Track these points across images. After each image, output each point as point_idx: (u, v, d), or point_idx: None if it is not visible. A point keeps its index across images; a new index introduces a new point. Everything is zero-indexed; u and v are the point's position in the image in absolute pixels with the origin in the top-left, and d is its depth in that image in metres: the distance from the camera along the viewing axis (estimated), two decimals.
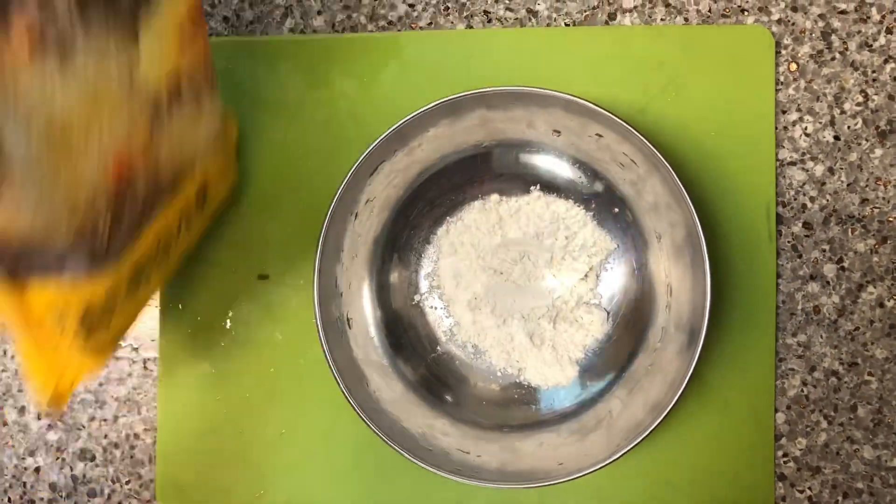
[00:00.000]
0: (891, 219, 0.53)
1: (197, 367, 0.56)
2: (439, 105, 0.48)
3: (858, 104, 0.54)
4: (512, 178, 0.54)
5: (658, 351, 0.50)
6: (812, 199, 0.54)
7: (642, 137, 0.47)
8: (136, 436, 0.57)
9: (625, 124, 0.47)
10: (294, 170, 0.56)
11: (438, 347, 0.55)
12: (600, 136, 0.49)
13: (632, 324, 0.52)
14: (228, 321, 0.56)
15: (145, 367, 0.57)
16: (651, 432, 0.47)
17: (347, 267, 0.52)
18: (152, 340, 0.57)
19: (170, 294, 0.56)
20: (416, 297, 0.55)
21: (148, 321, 0.57)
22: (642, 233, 0.52)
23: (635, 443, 0.47)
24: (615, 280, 0.54)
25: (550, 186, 0.53)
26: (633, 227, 0.52)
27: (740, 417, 0.53)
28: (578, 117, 0.48)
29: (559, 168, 0.53)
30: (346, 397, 0.49)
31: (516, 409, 0.53)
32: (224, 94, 0.56)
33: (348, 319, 0.52)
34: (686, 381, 0.47)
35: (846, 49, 0.54)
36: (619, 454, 0.47)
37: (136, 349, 0.57)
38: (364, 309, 0.53)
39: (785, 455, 0.53)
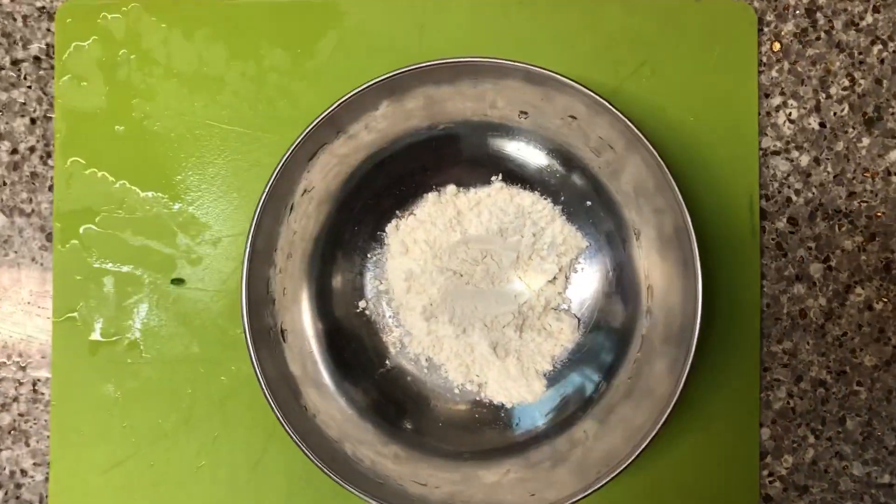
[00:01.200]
0: (879, 213, 0.49)
1: (98, 388, 0.47)
2: (378, 83, 0.41)
3: (845, 88, 0.49)
4: (471, 166, 0.47)
5: (639, 363, 0.44)
6: (797, 192, 0.49)
7: (617, 112, 0.41)
8: (24, 472, 0.48)
9: (596, 96, 0.41)
10: (215, 154, 0.48)
11: (387, 362, 0.47)
12: (573, 117, 0.43)
13: (606, 332, 0.46)
14: (136, 332, 0.47)
15: (34, 390, 0.48)
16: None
17: (282, 269, 0.44)
18: (43, 357, 0.48)
19: (63, 300, 0.47)
20: (361, 304, 0.47)
21: (37, 334, 0.48)
22: (619, 228, 0.46)
23: (612, 476, 0.41)
24: (587, 282, 0.47)
25: (514, 176, 0.47)
26: (607, 221, 0.46)
27: (723, 434, 0.48)
28: (543, 92, 0.42)
29: (527, 154, 0.46)
30: (279, 419, 0.41)
31: (480, 432, 0.46)
32: (133, 64, 0.48)
33: (283, 331, 0.44)
34: (673, 405, 0.41)
35: (832, 28, 0.49)
36: (596, 487, 0.41)
37: (22, 368, 0.48)
38: (302, 319, 0.45)
39: (770, 475, 0.48)
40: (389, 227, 0.47)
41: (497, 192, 0.47)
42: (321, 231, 0.45)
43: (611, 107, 0.41)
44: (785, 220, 0.49)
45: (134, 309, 0.48)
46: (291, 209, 0.43)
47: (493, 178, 0.47)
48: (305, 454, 0.41)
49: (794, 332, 0.49)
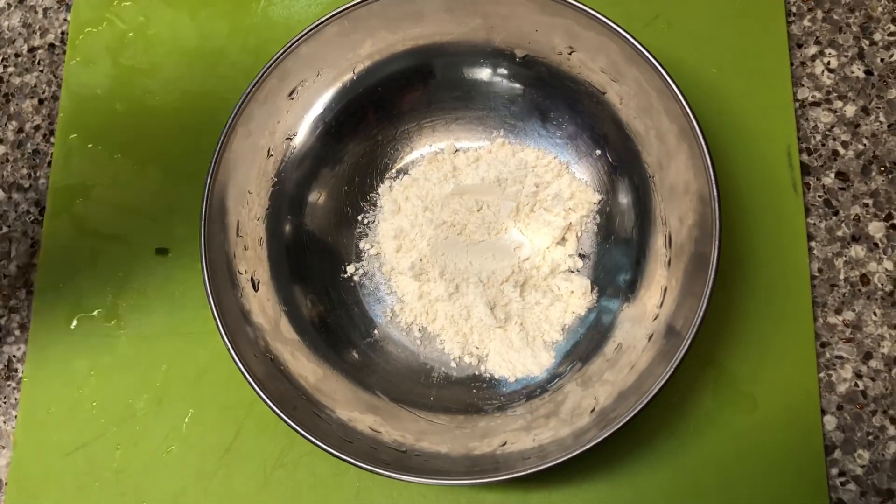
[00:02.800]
0: None
1: (72, 363, 0.44)
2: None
3: (891, 34, 0.44)
4: (471, 122, 0.44)
5: (658, 320, 0.38)
6: (845, 145, 0.43)
7: (633, 41, 0.37)
8: None
9: (610, 22, 0.37)
10: (210, 125, 0.47)
11: (375, 331, 0.42)
12: (572, 49, 0.40)
13: (623, 293, 0.40)
14: (118, 305, 0.45)
15: (9, 367, 0.45)
16: (629, 421, 0.34)
17: (256, 216, 0.41)
18: (22, 332, 0.45)
19: (49, 273, 0.45)
20: (350, 270, 0.43)
21: (21, 308, 0.45)
22: (633, 173, 0.40)
23: (623, 420, 0.33)
24: (596, 241, 0.42)
25: (517, 133, 0.43)
26: (619, 171, 0.41)
27: (775, 421, 0.39)
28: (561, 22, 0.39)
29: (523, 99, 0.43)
30: (249, 380, 0.36)
31: (475, 409, 0.40)
32: (139, 45, 0.49)
33: (255, 283, 0.40)
34: (685, 351, 0.34)
35: None
36: (602, 437, 0.33)
37: None
38: (270, 272, 0.41)
39: (842, 474, 0.39)
40: (382, 188, 0.44)
41: (498, 148, 0.43)
42: (303, 178, 0.42)
43: (628, 36, 0.37)
44: (833, 175, 0.43)
45: (118, 282, 0.45)
46: (269, 153, 0.41)
47: (495, 132, 0.43)
48: (282, 418, 0.36)
49: (856, 300, 0.41)
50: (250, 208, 0.40)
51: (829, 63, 0.44)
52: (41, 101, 0.49)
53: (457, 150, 0.44)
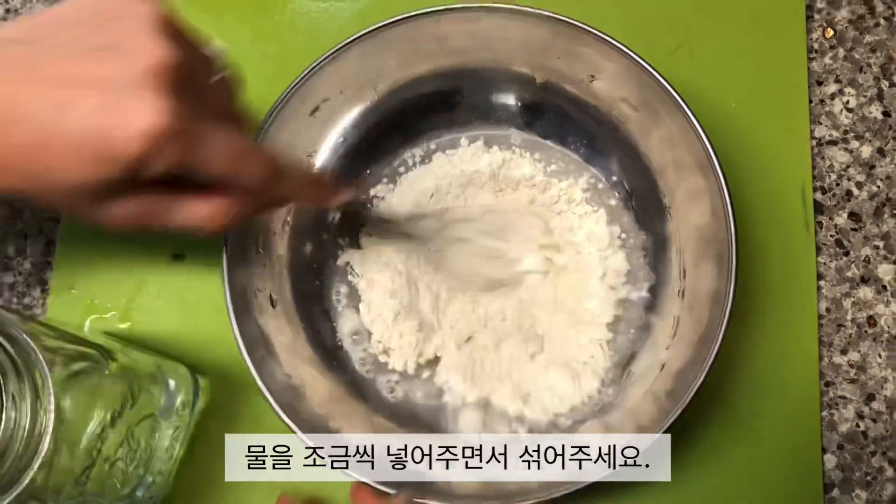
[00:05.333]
0: None
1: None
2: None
3: None
4: (489, 141, 0.44)
5: (670, 349, 0.38)
6: (859, 185, 0.44)
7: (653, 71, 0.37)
8: None
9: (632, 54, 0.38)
10: None
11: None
12: (593, 77, 0.40)
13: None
14: (132, 309, 0.45)
15: None
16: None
17: (275, 232, 0.41)
18: None
19: (65, 272, 0.46)
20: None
21: (35, 306, 0.46)
22: (649, 202, 0.41)
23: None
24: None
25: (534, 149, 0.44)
26: (636, 199, 0.42)
27: (777, 457, 0.40)
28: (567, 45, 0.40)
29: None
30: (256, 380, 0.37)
31: None
32: None
33: (273, 300, 0.40)
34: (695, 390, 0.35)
35: (892, 14, 0.45)
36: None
37: None
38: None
39: None
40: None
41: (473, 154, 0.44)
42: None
43: (645, 64, 0.38)
44: (846, 215, 0.43)
45: (133, 285, 0.45)
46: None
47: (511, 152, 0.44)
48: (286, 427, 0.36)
49: (862, 341, 0.42)
50: (272, 226, 0.41)
51: (847, 102, 0.45)
52: None
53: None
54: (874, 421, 0.41)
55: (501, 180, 0.43)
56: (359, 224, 0.43)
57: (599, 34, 0.39)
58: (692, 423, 0.41)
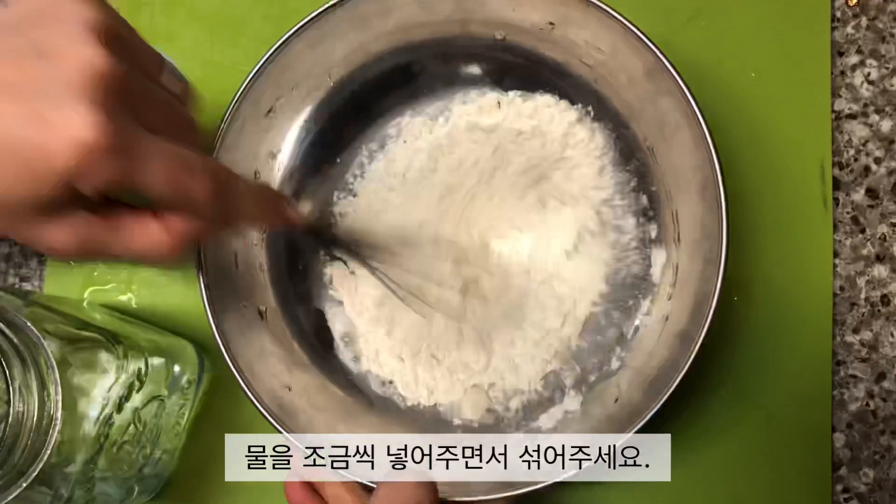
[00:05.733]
0: None
1: None
2: None
3: None
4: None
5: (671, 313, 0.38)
6: (878, 161, 0.43)
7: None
8: None
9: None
10: (230, 96, 0.45)
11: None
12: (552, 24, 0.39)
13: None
14: (132, 280, 0.44)
15: None
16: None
17: (254, 242, 0.40)
18: None
19: None
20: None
21: (32, 278, 0.45)
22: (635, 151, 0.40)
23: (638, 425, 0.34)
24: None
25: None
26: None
27: (787, 435, 0.40)
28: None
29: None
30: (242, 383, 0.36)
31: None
32: (157, 7, 0.46)
33: (261, 311, 0.40)
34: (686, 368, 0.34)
35: None
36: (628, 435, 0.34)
37: None
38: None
39: (846, 490, 0.40)
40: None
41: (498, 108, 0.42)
42: None
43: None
44: (863, 191, 0.42)
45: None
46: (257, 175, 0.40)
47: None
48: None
49: (875, 320, 0.41)
50: (248, 239, 0.40)
51: (868, 74, 0.43)
52: None
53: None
54: (884, 400, 0.41)
55: (478, 129, 0.42)
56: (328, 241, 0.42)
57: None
58: (703, 401, 0.40)
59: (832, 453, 0.40)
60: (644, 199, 0.40)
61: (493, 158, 0.41)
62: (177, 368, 0.38)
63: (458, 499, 0.34)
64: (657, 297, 0.39)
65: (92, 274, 0.44)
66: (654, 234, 0.39)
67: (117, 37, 0.29)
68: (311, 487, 0.36)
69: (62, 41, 0.27)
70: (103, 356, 0.33)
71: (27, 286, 0.44)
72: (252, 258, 0.40)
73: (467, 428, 0.39)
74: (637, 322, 0.39)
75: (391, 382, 0.40)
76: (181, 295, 0.44)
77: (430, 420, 0.39)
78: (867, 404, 0.41)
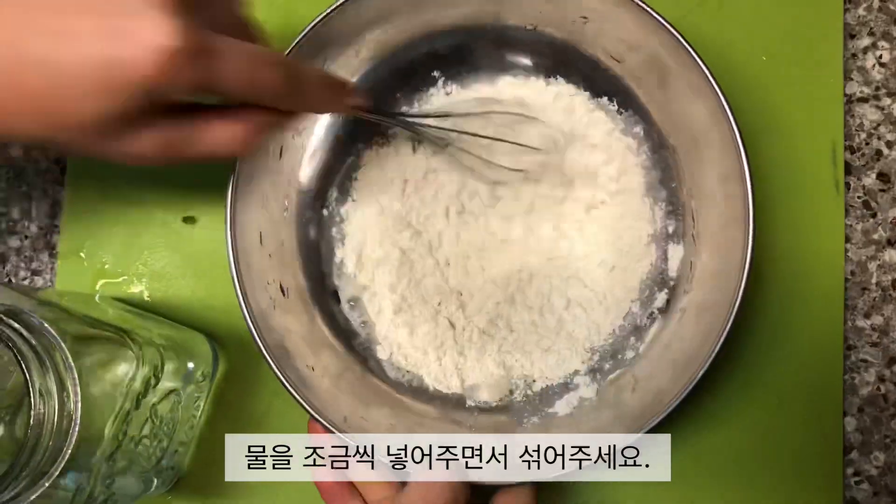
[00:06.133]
0: None
1: None
2: None
3: None
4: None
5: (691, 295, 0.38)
6: (889, 145, 0.43)
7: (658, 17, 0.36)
8: None
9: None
10: None
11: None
12: (585, 18, 0.38)
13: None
14: (143, 273, 0.44)
15: None
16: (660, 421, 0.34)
17: (275, 219, 0.40)
18: None
19: (72, 236, 0.44)
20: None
21: (43, 270, 0.45)
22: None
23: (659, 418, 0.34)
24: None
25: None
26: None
27: (798, 420, 0.41)
28: None
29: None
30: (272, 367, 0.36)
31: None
32: None
33: (284, 288, 0.40)
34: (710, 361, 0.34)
35: None
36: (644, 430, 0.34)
37: None
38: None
39: (856, 474, 0.41)
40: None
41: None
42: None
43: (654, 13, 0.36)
44: (874, 175, 0.42)
45: (143, 248, 0.44)
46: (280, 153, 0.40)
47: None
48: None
49: (886, 305, 0.41)
50: (270, 213, 0.40)
51: (880, 57, 0.43)
52: None
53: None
54: (894, 384, 0.41)
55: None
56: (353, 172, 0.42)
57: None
58: (714, 384, 0.41)
59: (843, 437, 0.40)
60: (664, 194, 0.40)
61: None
62: (191, 364, 0.38)
63: (487, 481, 0.34)
64: (675, 292, 0.39)
65: (103, 267, 0.44)
66: (671, 230, 0.40)
67: None
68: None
69: None
70: (120, 354, 0.33)
71: (38, 280, 0.45)
72: (276, 234, 0.40)
73: (483, 409, 0.40)
74: (653, 314, 0.39)
75: (413, 371, 0.41)
76: (193, 286, 0.44)
77: (450, 400, 0.40)
78: (878, 388, 0.41)
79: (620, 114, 0.41)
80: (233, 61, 0.29)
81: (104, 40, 0.27)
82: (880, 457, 0.40)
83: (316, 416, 0.35)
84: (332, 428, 0.35)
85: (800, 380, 0.41)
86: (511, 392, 0.40)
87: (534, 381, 0.40)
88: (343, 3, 0.37)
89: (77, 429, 0.29)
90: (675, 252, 0.39)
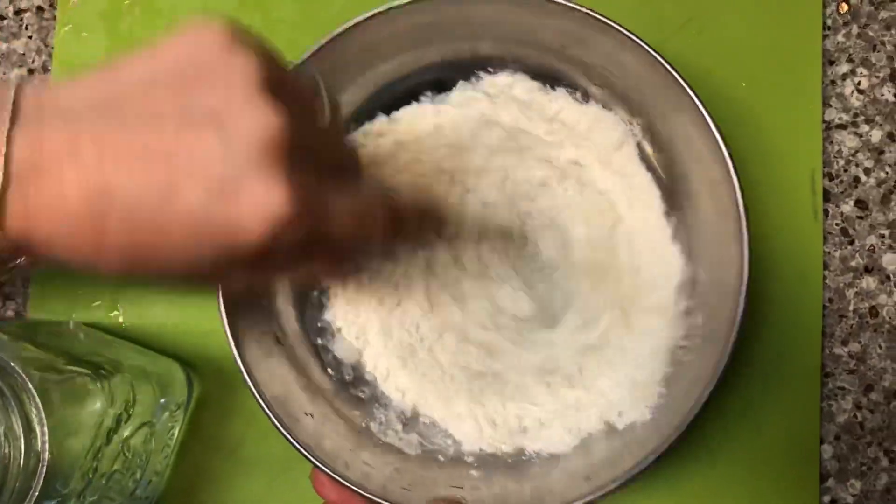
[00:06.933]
0: None
1: None
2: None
3: None
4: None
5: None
6: (867, 172, 0.43)
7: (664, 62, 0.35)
8: None
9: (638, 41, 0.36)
10: None
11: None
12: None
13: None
14: (119, 297, 0.43)
15: None
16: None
17: None
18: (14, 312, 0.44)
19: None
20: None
21: (16, 298, 0.44)
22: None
23: (644, 466, 0.34)
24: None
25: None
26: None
27: (776, 447, 0.41)
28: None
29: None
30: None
31: None
32: (137, 15, 0.45)
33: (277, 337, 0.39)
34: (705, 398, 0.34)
35: None
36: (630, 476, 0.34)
37: None
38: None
39: (833, 501, 0.41)
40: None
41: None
42: None
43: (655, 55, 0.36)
44: (852, 202, 0.42)
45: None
46: None
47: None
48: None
49: (863, 332, 0.41)
50: None
51: (859, 83, 0.43)
52: (31, 72, 0.46)
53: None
54: (871, 412, 0.41)
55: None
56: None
57: (611, 23, 0.36)
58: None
59: (820, 464, 0.40)
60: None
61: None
62: (163, 399, 0.37)
63: None
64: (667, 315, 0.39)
65: (77, 292, 0.43)
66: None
67: (280, 83, 0.26)
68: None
69: (233, 106, 0.25)
70: (90, 390, 0.32)
71: (11, 305, 0.44)
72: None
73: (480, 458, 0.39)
74: (645, 336, 0.39)
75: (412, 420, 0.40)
76: (167, 312, 0.43)
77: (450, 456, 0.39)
78: (855, 416, 0.41)
79: None
80: (344, 215, 0.29)
81: (211, 201, 0.25)
82: (857, 484, 0.41)
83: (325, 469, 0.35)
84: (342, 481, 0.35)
85: (777, 407, 0.41)
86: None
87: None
88: (318, 49, 0.37)
89: (45, 469, 0.29)
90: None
